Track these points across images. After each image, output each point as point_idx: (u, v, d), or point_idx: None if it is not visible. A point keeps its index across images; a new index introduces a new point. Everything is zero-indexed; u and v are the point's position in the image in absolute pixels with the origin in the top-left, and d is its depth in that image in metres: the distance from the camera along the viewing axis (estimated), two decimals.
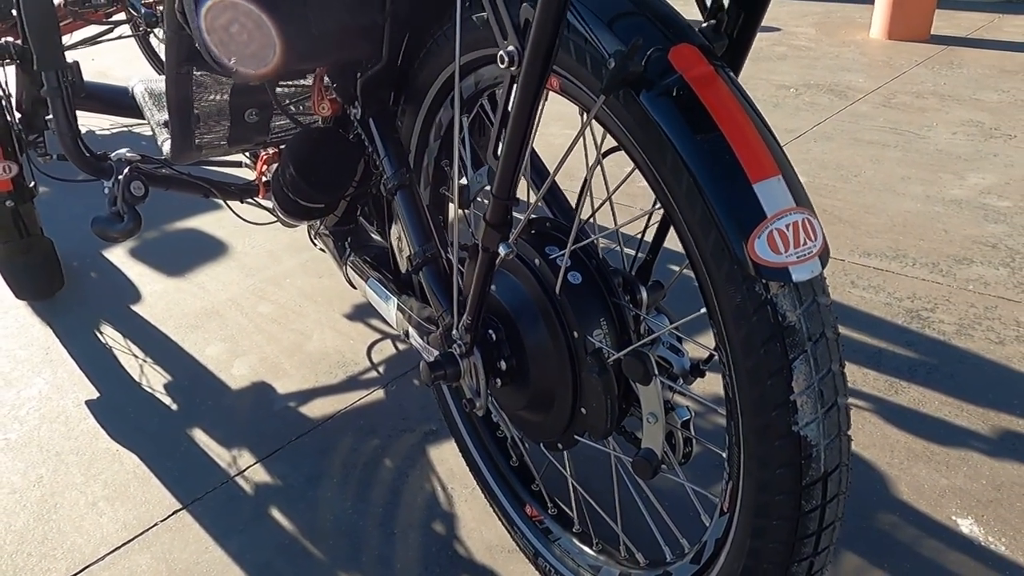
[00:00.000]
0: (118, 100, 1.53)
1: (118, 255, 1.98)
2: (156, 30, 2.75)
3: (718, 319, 0.57)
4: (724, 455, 0.64)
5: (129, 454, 1.28)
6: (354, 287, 1.30)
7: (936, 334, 1.50)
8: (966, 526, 1.06)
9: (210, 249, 2.00)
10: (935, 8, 4.16)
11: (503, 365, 0.80)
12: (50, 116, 1.66)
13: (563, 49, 0.61)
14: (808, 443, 0.55)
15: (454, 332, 0.81)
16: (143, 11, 2.19)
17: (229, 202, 1.57)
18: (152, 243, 2.04)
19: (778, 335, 0.53)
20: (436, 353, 0.84)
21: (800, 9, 5.23)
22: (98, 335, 1.62)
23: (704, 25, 0.63)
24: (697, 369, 0.80)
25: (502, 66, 0.58)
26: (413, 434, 1.29)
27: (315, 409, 1.37)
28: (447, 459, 1.23)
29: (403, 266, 1.03)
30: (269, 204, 1.49)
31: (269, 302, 1.73)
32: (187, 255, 1.96)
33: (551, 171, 0.74)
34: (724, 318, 0.56)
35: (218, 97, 1.15)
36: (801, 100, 3.11)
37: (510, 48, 0.57)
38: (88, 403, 1.41)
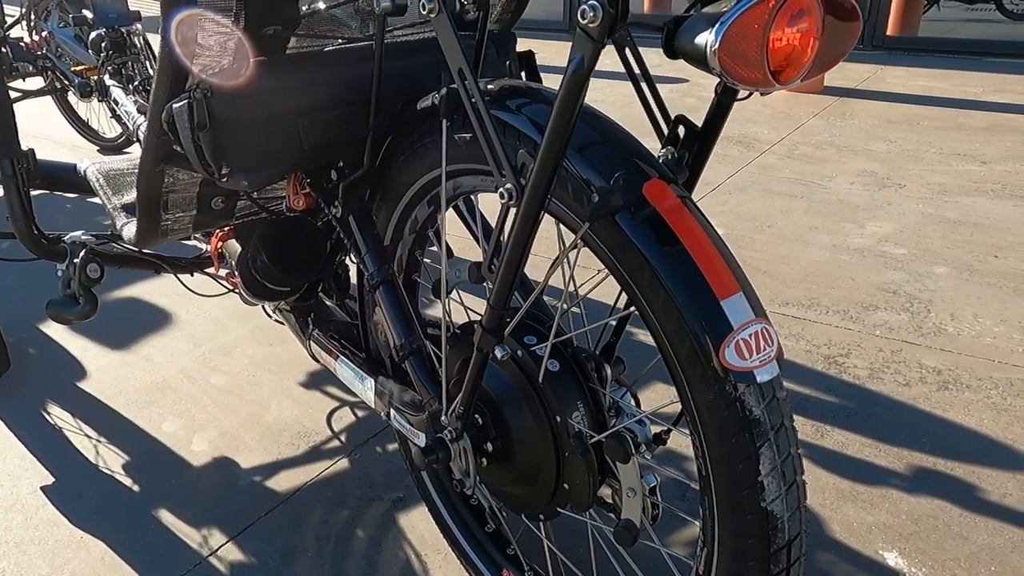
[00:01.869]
0: (68, 179, 1.53)
1: (55, 328, 1.95)
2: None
3: (692, 411, 0.67)
4: (698, 524, 0.73)
5: (95, 540, 1.27)
6: (318, 361, 1.34)
7: (852, 379, 1.66)
8: (892, 559, 1.19)
9: (153, 319, 1.99)
10: None
11: (489, 447, 0.87)
12: None
13: None
14: (774, 516, 0.64)
15: (443, 418, 0.88)
16: (77, 81, 2.18)
17: (180, 275, 1.59)
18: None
19: (746, 427, 0.63)
20: (425, 438, 0.91)
21: None
22: (46, 416, 1.60)
23: (667, 157, 0.73)
24: (659, 439, 0.90)
25: (501, 200, 0.67)
26: (382, 503, 1.34)
27: (281, 482, 1.39)
28: (417, 526, 1.28)
29: (385, 353, 1.09)
30: (221, 276, 1.52)
31: (221, 373, 1.74)
32: (130, 326, 1.95)
33: (533, 279, 0.82)
34: (699, 411, 0.66)
35: (188, 189, 1.19)
36: (714, 152, 3.33)
37: (508, 186, 0.66)
38: (44, 489, 1.39)
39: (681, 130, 0.74)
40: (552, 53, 5.86)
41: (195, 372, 1.75)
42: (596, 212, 0.65)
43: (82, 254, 1.42)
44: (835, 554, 1.20)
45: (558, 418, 0.82)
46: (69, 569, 1.22)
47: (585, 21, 0.54)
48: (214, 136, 0.87)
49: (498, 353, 0.75)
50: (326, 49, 0.94)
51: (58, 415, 1.60)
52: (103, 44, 2.04)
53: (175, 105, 0.88)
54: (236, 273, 1.38)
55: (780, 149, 3.37)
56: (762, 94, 0.56)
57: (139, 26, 2.08)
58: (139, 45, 2.06)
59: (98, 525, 1.31)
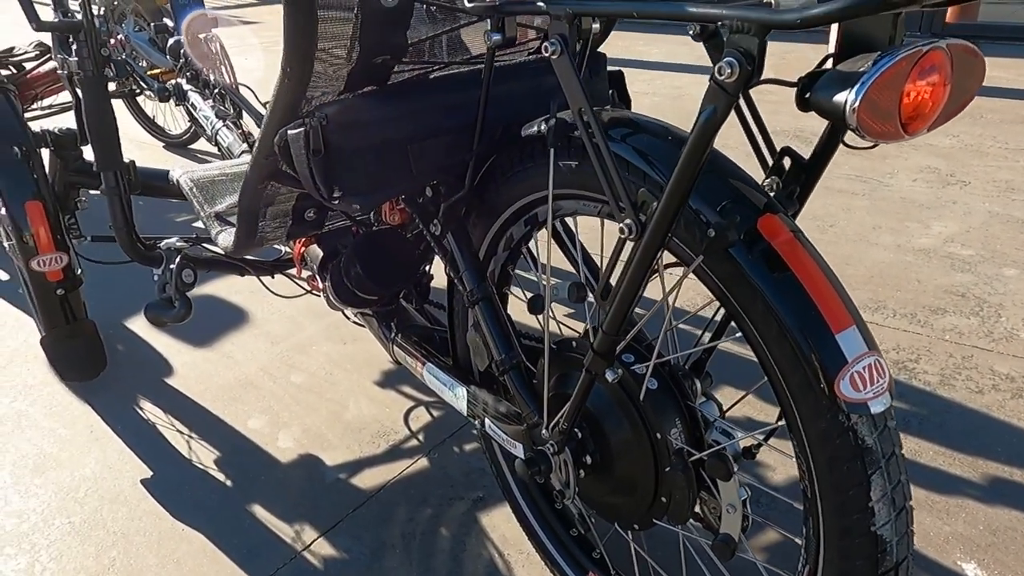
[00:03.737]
0: (161, 186, 1.60)
1: (140, 325, 2.04)
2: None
3: (801, 437, 0.70)
4: (800, 543, 0.76)
5: (195, 533, 1.35)
6: (399, 364, 1.40)
7: (922, 385, 1.66)
8: (970, 570, 1.21)
9: (231, 316, 2.07)
10: None
11: (588, 459, 0.91)
12: (82, 199, 1.74)
13: None
14: (883, 540, 0.67)
15: (543, 432, 0.92)
16: (156, 86, 2.27)
17: (262, 277, 1.66)
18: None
19: (859, 455, 0.66)
20: (524, 449, 0.95)
21: None
22: (139, 411, 1.68)
23: (774, 188, 0.75)
24: (749, 452, 0.93)
25: (620, 235, 0.70)
26: (463, 502, 1.39)
27: (365, 480, 1.45)
28: (499, 525, 1.33)
29: (478, 365, 1.13)
30: (302, 279, 1.58)
31: (300, 371, 1.81)
32: (209, 323, 2.03)
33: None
34: (808, 438, 0.69)
35: (285, 202, 1.25)
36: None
37: (628, 222, 0.69)
38: (143, 482, 1.47)
39: (787, 161, 0.77)
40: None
41: (275, 370, 1.82)
42: (712, 247, 0.68)
43: (178, 260, 1.49)
44: (915, 562, 1.22)
45: (658, 435, 0.85)
46: (174, 559, 1.29)
47: (722, 77, 0.56)
48: (328, 162, 0.91)
49: (609, 377, 0.79)
50: (431, 76, 0.98)
51: (150, 410, 1.69)
52: (181, 51, 2.11)
53: (291, 131, 0.93)
54: (323, 279, 1.44)
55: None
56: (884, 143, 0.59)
57: (215, 32, 2.15)
58: (216, 51, 2.13)
59: (196, 518, 1.38)
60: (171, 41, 2.14)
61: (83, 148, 1.70)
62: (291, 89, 0.90)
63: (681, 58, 5.24)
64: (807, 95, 0.60)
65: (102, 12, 2.90)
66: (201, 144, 3.55)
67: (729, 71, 0.56)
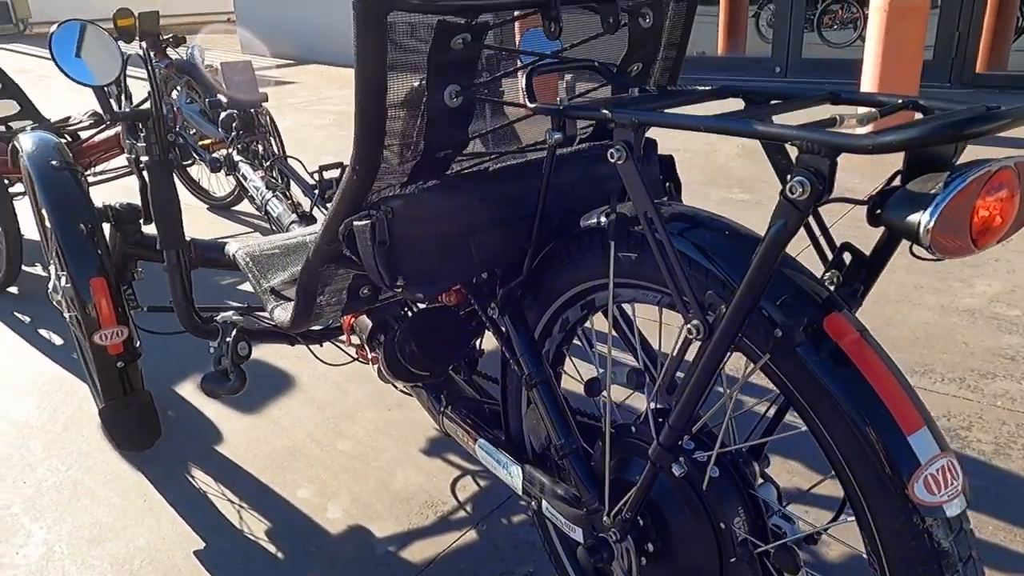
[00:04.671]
0: (218, 258, 1.65)
1: (189, 390, 2.08)
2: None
3: (873, 537, 0.70)
4: None
5: None
6: (449, 436, 1.41)
7: (976, 454, 1.63)
8: None
9: (277, 381, 2.11)
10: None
11: (650, 547, 0.91)
12: (139, 269, 1.79)
13: None
14: None
15: (605, 519, 0.92)
16: (208, 157, 2.35)
17: (311, 346, 1.69)
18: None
19: (935, 559, 0.66)
20: (583, 534, 0.95)
21: None
22: (190, 479, 1.71)
23: (835, 283, 0.77)
24: (811, 539, 0.92)
25: (688, 335, 0.72)
26: None
27: (415, 553, 1.46)
28: None
29: (534, 444, 1.15)
30: (351, 349, 1.61)
31: (346, 438, 1.83)
32: (256, 388, 2.06)
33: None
34: (881, 538, 0.68)
35: (342, 281, 1.28)
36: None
37: (695, 322, 0.71)
38: (196, 554, 1.49)
39: (847, 256, 0.78)
40: None
41: (321, 437, 1.84)
42: (779, 347, 0.69)
43: (234, 333, 1.53)
44: None
45: (722, 524, 0.85)
46: None
47: (794, 195, 0.59)
48: (393, 253, 0.95)
49: (676, 471, 0.80)
50: (490, 168, 1.01)
51: (201, 479, 1.71)
52: (233, 124, 2.19)
53: (357, 223, 0.97)
54: (373, 348, 1.47)
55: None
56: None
57: (266, 106, 2.23)
58: (266, 124, 2.21)
59: None
60: (223, 115, 2.23)
61: (142, 223, 1.77)
62: (358, 184, 0.94)
63: (712, 111, 5.30)
64: (878, 211, 0.61)
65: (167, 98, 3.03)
66: (244, 206, 3.65)
67: (800, 190, 0.58)
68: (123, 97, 3.45)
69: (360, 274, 1.28)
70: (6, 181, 2.77)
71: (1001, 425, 1.72)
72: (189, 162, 2.86)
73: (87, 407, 2.02)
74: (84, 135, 3.37)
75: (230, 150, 2.25)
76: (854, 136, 0.56)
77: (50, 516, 1.61)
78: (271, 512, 1.59)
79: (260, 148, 2.22)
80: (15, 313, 2.66)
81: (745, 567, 0.83)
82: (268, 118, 2.22)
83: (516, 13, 0.89)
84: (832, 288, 0.77)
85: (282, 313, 1.40)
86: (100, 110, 3.35)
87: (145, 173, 1.46)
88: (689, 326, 0.71)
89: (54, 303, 1.82)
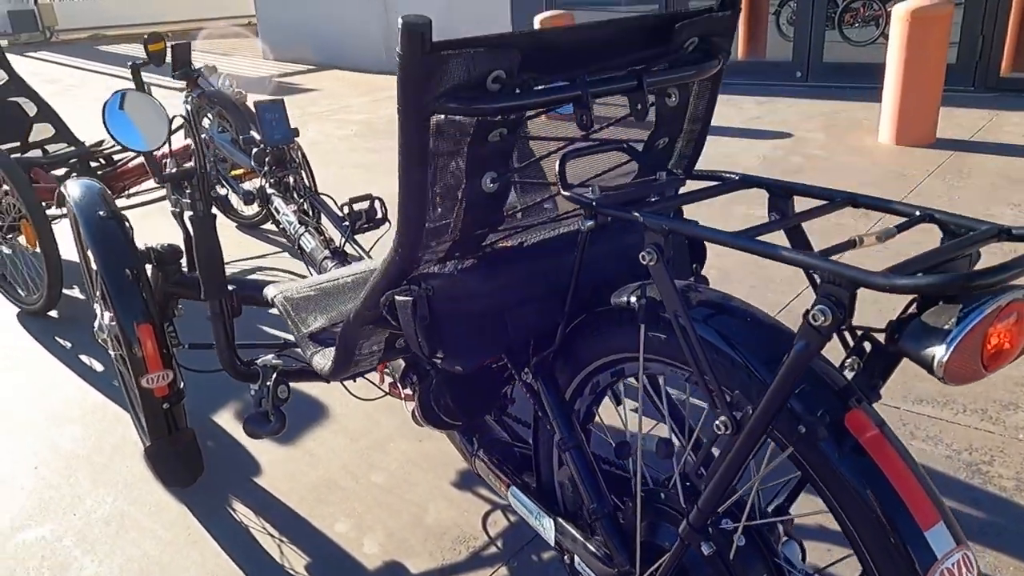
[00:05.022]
0: (256, 299, 1.71)
1: (225, 420, 2.15)
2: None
3: None
4: None
5: None
6: (481, 477, 1.47)
7: (998, 490, 1.66)
8: None
9: (310, 412, 2.17)
10: (939, 112, 4.44)
11: None
12: (179, 306, 1.86)
13: None
14: None
15: None
16: (242, 191, 2.42)
17: (344, 381, 1.75)
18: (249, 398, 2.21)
19: None
20: None
21: (807, 110, 5.53)
22: (231, 512, 1.78)
23: (856, 371, 0.81)
24: None
25: (717, 431, 0.76)
26: None
27: None
28: None
29: (566, 502, 1.20)
30: (384, 387, 1.67)
31: (380, 470, 1.89)
32: (290, 419, 2.13)
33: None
34: None
35: (379, 335, 1.34)
36: (827, 220, 3.32)
37: (723, 418, 0.75)
38: None
39: (867, 344, 0.82)
40: None
41: (356, 468, 1.90)
42: (801, 442, 0.74)
43: (274, 376, 1.60)
44: None
45: None
46: None
47: (817, 323, 0.63)
48: (433, 327, 1.00)
49: (705, 551, 0.84)
50: (524, 244, 1.06)
51: (242, 511, 1.78)
52: (267, 159, 2.26)
53: (399, 297, 1.02)
54: (407, 389, 1.52)
55: (895, 218, 3.32)
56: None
57: (298, 140, 2.30)
58: (298, 160, 2.27)
59: None
60: (255, 150, 2.30)
61: (181, 262, 1.84)
62: (400, 264, 0.99)
63: (731, 120, 5.30)
64: (896, 337, 0.66)
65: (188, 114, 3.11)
66: (271, 224, 3.73)
67: (823, 318, 0.63)
68: (174, 159, 3.54)
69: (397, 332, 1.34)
70: (44, 206, 2.86)
71: (1023, 460, 1.75)
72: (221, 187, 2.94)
73: (130, 436, 2.10)
74: (117, 158, 3.47)
75: (263, 183, 2.32)
76: (873, 274, 0.60)
77: (100, 549, 1.69)
78: (310, 546, 1.66)
79: (291, 181, 2.28)
80: (56, 338, 2.76)
81: None
82: (300, 153, 2.28)
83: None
84: (852, 376, 0.80)
85: (321, 361, 1.46)
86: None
87: (189, 226, 1.52)
88: (717, 423, 0.76)
89: (99, 341, 1.90)
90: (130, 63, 3.58)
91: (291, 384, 1.65)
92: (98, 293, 1.92)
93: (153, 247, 1.81)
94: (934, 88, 4.32)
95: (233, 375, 1.60)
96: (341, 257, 2.03)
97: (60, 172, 3.40)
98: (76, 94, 8.77)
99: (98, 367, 2.53)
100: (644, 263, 0.79)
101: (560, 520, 1.17)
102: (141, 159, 3.16)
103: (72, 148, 3.71)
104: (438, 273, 1.02)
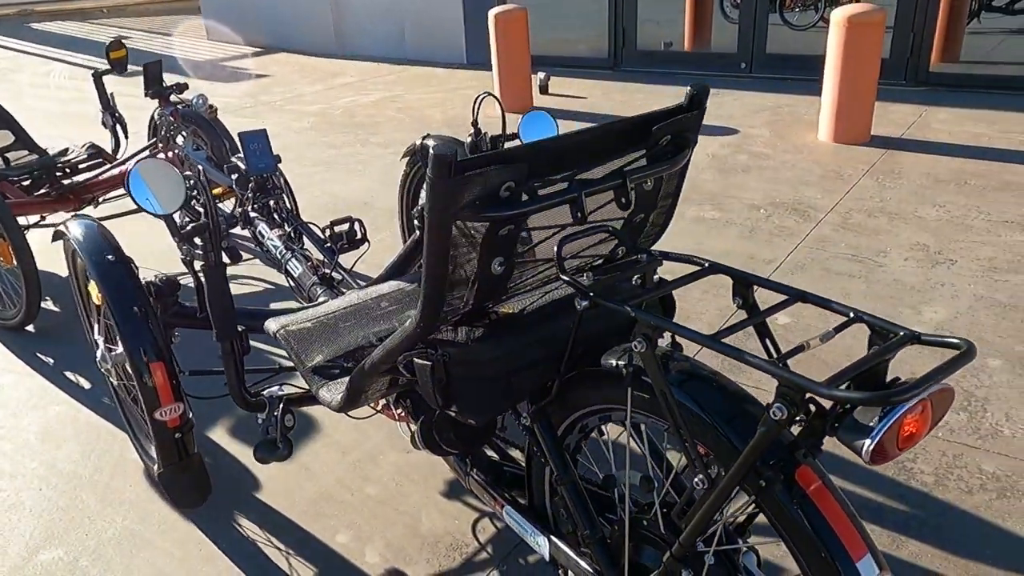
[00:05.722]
0: (258, 326, 1.84)
1: (221, 435, 2.28)
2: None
3: None
4: None
5: None
6: (475, 495, 1.64)
7: (920, 486, 1.92)
8: None
9: (300, 425, 2.31)
10: (874, 111, 4.72)
11: None
12: (176, 334, 1.98)
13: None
14: None
15: None
16: (225, 216, 2.52)
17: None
18: (245, 418, 2.34)
19: None
20: None
21: (752, 103, 5.78)
22: (238, 528, 1.92)
23: (804, 433, 1.00)
24: None
25: (697, 488, 0.95)
26: None
27: None
28: None
29: (561, 527, 1.38)
30: (376, 404, 1.82)
31: (373, 482, 2.05)
32: None
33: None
34: None
35: (385, 376, 1.49)
36: (772, 224, 3.57)
37: (699, 476, 0.94)
38: None
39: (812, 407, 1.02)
40: (599, 93, 6.13)
41: (350, 482, 2.06)
42: (762, 492, 0.93)
43: (280, 407, 1.74)
44: None
45: None
46: None
47: (776, 417, 0.82)
48: (449, 388, 1.17)
49: (684, 575, 1.04)
50: (525, 311, 1.23)
51: (248, 527, 1.93)
52: (250, 185, 2.36)
53: (418, 361, 1.18)
54: (398, 410, 1.68)
55: (834, 218, 3.59)
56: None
57: (280, 167, 2.40)
58: (280, 184, 2.38)
59: None
60: (235, 176, 2.40)
61: (178, 294, 1.95)
62: (420, 335, 1.15)
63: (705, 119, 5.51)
64: (835, 427, 0.85)
65: (156, 128, 3.16)
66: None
67: (780, 414, 0.81)
68: (118, 127, 3.57)
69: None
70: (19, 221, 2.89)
71: (941, 456, 2.01)
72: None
73: (128, 454, 2.21)
74: (83, 168, 3.49)
75: (246, 207, 2.43)
76: (818, 384, 0.79)
77: (117, 568, 1.82)
78: (315, 558, 1.82)
79: (273, 204, 2.39)
80: (37, 354, 2.82)
81: None
82: (282, 178, 2.39)
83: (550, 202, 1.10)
84: (799, 432, 1.00)
85: (327, 395, 1.61)
86: (95, 144, 3.48)
87: (201, 275, 1.65)
88: (696, 479, 0.95)
89: (102, 371, 2.00)
90: (92, 72, 3.60)
91: (296, 411, 1.79)
92: (96, 327, 2.02)
93: (152, 281, 1.91)
94: (868, 90, 4.59)
95: (242, 406, 1.74)
96: (328, 283, 2.16)
97: (26, 183, 3.41)
98: (15, 80, 8.51)
99: (85, 384, 2.61)
100: (636, 351, 0.97)
101: (554, 539, 1.35)
102: (113, 172, 3.20)
103: (34, 157, 3.71)
104: (452, 340, 1.18)
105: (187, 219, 1.85)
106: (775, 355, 0.95)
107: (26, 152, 3.78)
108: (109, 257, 1.74)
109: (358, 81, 7.59)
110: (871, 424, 0.79)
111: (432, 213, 0.99)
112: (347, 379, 1.57)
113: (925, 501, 1.87)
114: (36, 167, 3.40)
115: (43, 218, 3.43)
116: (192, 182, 1.55)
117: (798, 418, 0.98)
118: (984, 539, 1.74)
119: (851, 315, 0.96)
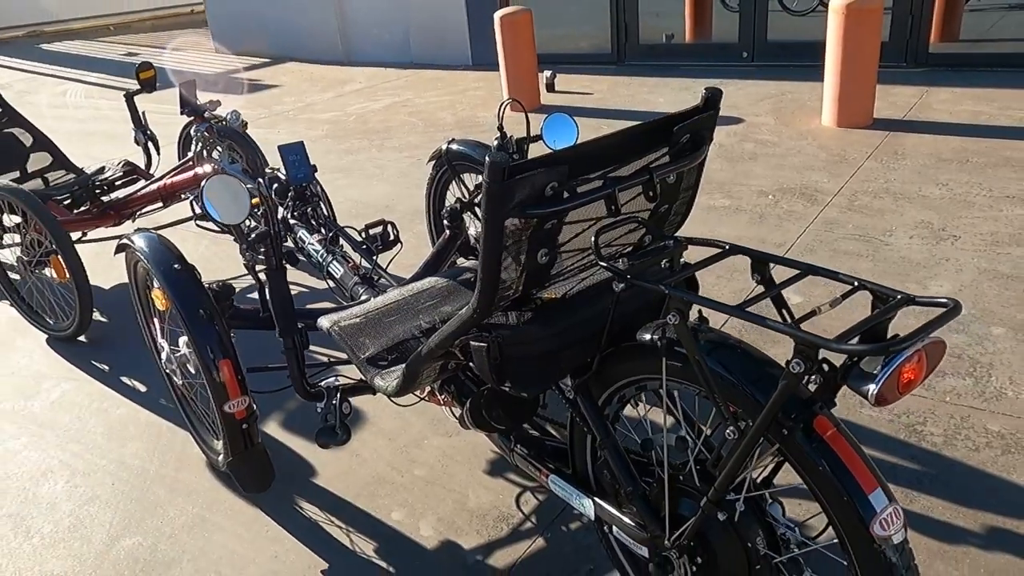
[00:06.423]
0: (311, 324, 2.00)
1: (273, 427, 2.44)
2: None
3: (850, 556, 1.09)
4: None
5: None
6: (519, 468, 1.80)
7: (930, 446, 2.06)
8: None
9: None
10: (875, 94, 4.85)
11: (699, 560, 1.31)
12: (233, 335, 2.14)
13: None
14: None
15: (666, 543, 1.32)
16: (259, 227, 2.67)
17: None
18: (298, 412, 2.51)
19: (889, 568, 1.06)
20: (648, 552, 1.35)
21: (755, 92, 5.90)
22: (299, 510, 2.09)
23: (820, 387, 1.15)
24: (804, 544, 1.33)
25: (728, 438, 1.10)
26: (578, 574, 1.79)
27: (498, 560, 1.85)
28: None
29: (605, 487, 1.53)
30: (422, 391, 1.98)
31: (420, 464, 2.21)
32: None
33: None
34: (856, 557, 1.08)
35: (436, 364, 1.65)
36: (780, 209, 3.71)
37: (731, 428, 1.09)
38: (324, 573, 1.88)
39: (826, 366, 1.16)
40: (605, 88, 6.27)
41: (399, 465, 2.22)
42: (785, 440, 1.08)
43: (338, 395, 1.90)
44: None
45: (748, 544, 1.25)
46: None
47: (794, 372, 0.97)
48: (504, 366, 1.32)
49: (720, 517, 1.19)
50: (567, 296, 1.39)
51: (309, 509, 2.09)
52: (290, 195, 2.52)
53: (475, 343, 1.34)
54: (444, 396, 1.83)
55: (841, 200, 3.73)
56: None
57: (316, 176, 2.56)
58: (318, 193, 2.54)
59: None
60: (275, 185, 2.56)
61: (234, 297, 2.11)
62: (475, 319, 1.31)
63: (686, 106, 5.64)
64: (844, 376, 1.00)
65: (191, 141, 3.33)
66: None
67: (799, 368, 0.97)
68: (150, 144, 3.74)
69: (450, 353, 1.65)
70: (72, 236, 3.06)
71: (949, 419, 2.15)
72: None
73: (190, 449, 2.38)
74: (120, 184, 3.66)
75: (286, 215, 2.59)
76: (829, 340, 0.94)
77: (192, 549, 1.98)
78: (374, 533, 1.98)
79: (310, 211, 2.55)
80: (92, 362, 3.00)
81: (768, 572, 1.23)
82: (319, 186, 2.55)
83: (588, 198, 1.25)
84: (815, 389, 1.15)
85: (382, 382, 1.77)
86: (130, 161, 3.65)
87: (263, 277, 1.81)
88: (728, 431, 1.10)
89: (167, 371, 2.17)
90: (124, 93, 3.77)
91: (351, 400, 1.95)
92: (160, 331, 2.19)
93: (210, 286, 2.08)
94: (869, 75, 4.72)
95: (303, 397, 1.90)
96: (369, 282, 2.32)
97: (67, 201, 3.58)
98: (33, 101, 8.71)
99: (141, 387, 2.78)
100: (671, 323, 1.13)
101: (597, 500, 1.51)
102: (152, 187, 3.37)
103: (72, 176, 3.89)
104: (504, 324, 1.34)
105: (249, 226, 2.00)
106: (791, 322, 1.10)
107: (64, 172, 3.96)
108: (176, 266, 1.90)
109: (367, 87, 7.75)
110: (875, 372, 0.94)
111: (488, 212, 1.14)
112: (399, 367, 1.73)
113: (935, 460, 2.01)
114: (77, 186, 3.58)
115: (84, 234, 3.61)
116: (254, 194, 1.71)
117: (813, 376, 1.14)
118: (990, 492, 1.88)
119: (855, 283, 1.10)
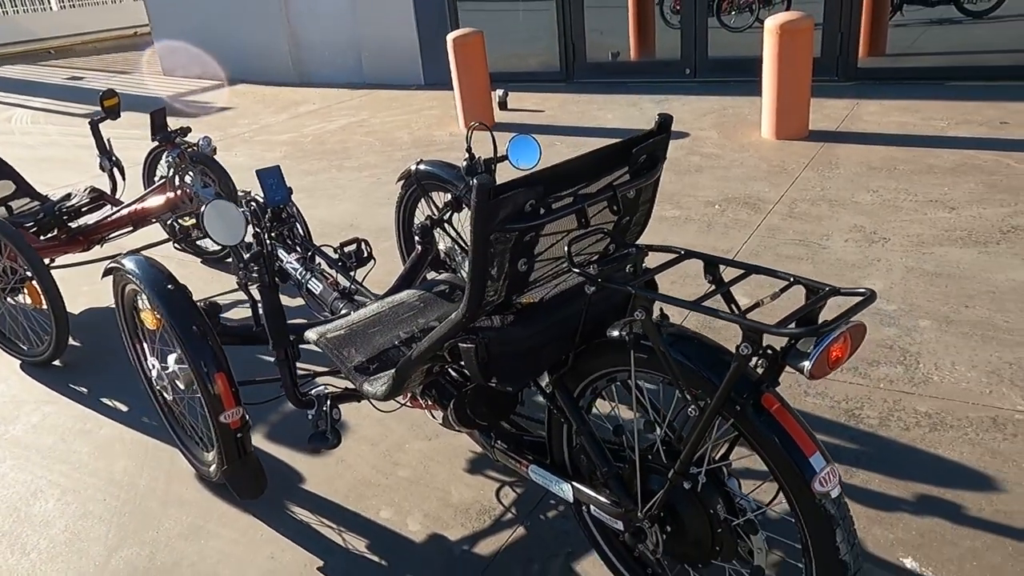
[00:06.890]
0: (299, 337, 2.13)
1: (258, 438, 2.55)
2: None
3: (796, 510, 1.28)
4: (802, 567, 1.35)
5: None
6: (501, 463, 1.96)
7: (867, 428, 2.29)
8: (908, 563, 1.81)
9: None
10: (810, 107, 5.17)
11: (669, 528, 1.49)
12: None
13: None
14: (846, 563, 1.26)
15: (639, 515, 1.49)
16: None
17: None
18: (285, 421, 2.62)
19: (828, 519, 1.25)
20: (623, 525, 1.52)
21: (699, 107, 6.20)
22: (291, 514, 2.21)
23: (766, 369, 1.34)
24: (763, 514, 1.52)
25: (690, 415, 1.28)
26: (559, 557, 1.95)
27: (483, 549, 2.01)
28: (590, 571, 1.89)
29: (582, 470, 1.70)
30: (405, 397, 2.13)
31: (403, 467, 2.35)
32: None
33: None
34: (801, 511, 1.27)
35: (422, 369, 1.80)
36: (726, 217, 3.96)
37: (692, 407, 1.27)
38: (320, 570, 2.00)
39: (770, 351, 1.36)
40: (555, 106, 6.50)
41: (383, 467, 2.36)
42: (738, 415, 1.27)
43: (328, 402, 2.04)
44: (871, 563, 1.82)
45: (711, 510, 1.44)
46: None
47: (743, 354, 1.15)
48: (490, 364, 1.49)
49: (686, 485, 1.37)
50: (544, 300, 1.56)
51: (300, 512, 2.21)
52: (267, 216, 2.65)
53: (463, 345, 1.50)
54: (426, 400, 1.98)
55: (781, 208, 3.99)
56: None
57: (292, 198, 2.69)
58: (294, 214, 2.67)
59: None
60: (253, 205, 2.67)
61: (221, 315, 2.23)
62: (464, 324, 1.47)
63: (634, 122, 5.92)
64: (784, 357, 1.19)
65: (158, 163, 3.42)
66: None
67: (746, 351, 1.15)
68: (115, 170, 3.81)
69: (438, 356, 1.80)
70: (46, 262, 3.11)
71: (883, 403, 2.38)
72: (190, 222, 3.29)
73: (177, 463, 2.47)
74: (86, 211, 3.71)
75: (263, 236, 2.71)
76: (771, 327, 1.13)
77: (192, 557, 2.09)
78: (365, 531, 2.11)
79: (286, 231, 2.68)
80: (71, 385, 3.05)
81: (727, 534, 1.42)
82: (295, 208, 2.68)
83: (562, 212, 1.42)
84: (761, 372, 1.33)
85: (371, 388, 1.91)
86: (96, 187, 3.72)
87: (255, 293, 1.94)
88: (690, 409, 1.28)
89: (157, 388, 2.27)
90: (89, 119, 3.84)
91: (340, 407, 2.09)
92: (149, 350, 2.29)
93: (200, 305, 2.19)
94: (803, 89, 5.03)
95: (296, 405, 2.03)
96: (349, 296, 2.46)
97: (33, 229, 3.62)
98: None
99: (122, 407, 2.86)
100: (637, 319, 1.30)
101: (575, 483, 1.68)
102: (121, 213, 3.44)
103: (36, 203, 3.92)
104: (488, 327, 1.50)
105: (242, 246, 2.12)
106: (739, 313, 1.29)
107: (28, 200, 3.99)
108: (168, 286, 2.01)
109: (322, 108, 7.85)
110: (808, 351, 1.13)
111: (475, 228, 1.31)
112: (386, 373, 1.88)
113: (871, 440, 2.23)
114: (43, 213, 3.62)
115: (52, 261, 3.65)
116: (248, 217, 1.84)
117: (760, 360, 1.33)
118: (920, 465, 2.11)
119: (791, 280, 1.30)
